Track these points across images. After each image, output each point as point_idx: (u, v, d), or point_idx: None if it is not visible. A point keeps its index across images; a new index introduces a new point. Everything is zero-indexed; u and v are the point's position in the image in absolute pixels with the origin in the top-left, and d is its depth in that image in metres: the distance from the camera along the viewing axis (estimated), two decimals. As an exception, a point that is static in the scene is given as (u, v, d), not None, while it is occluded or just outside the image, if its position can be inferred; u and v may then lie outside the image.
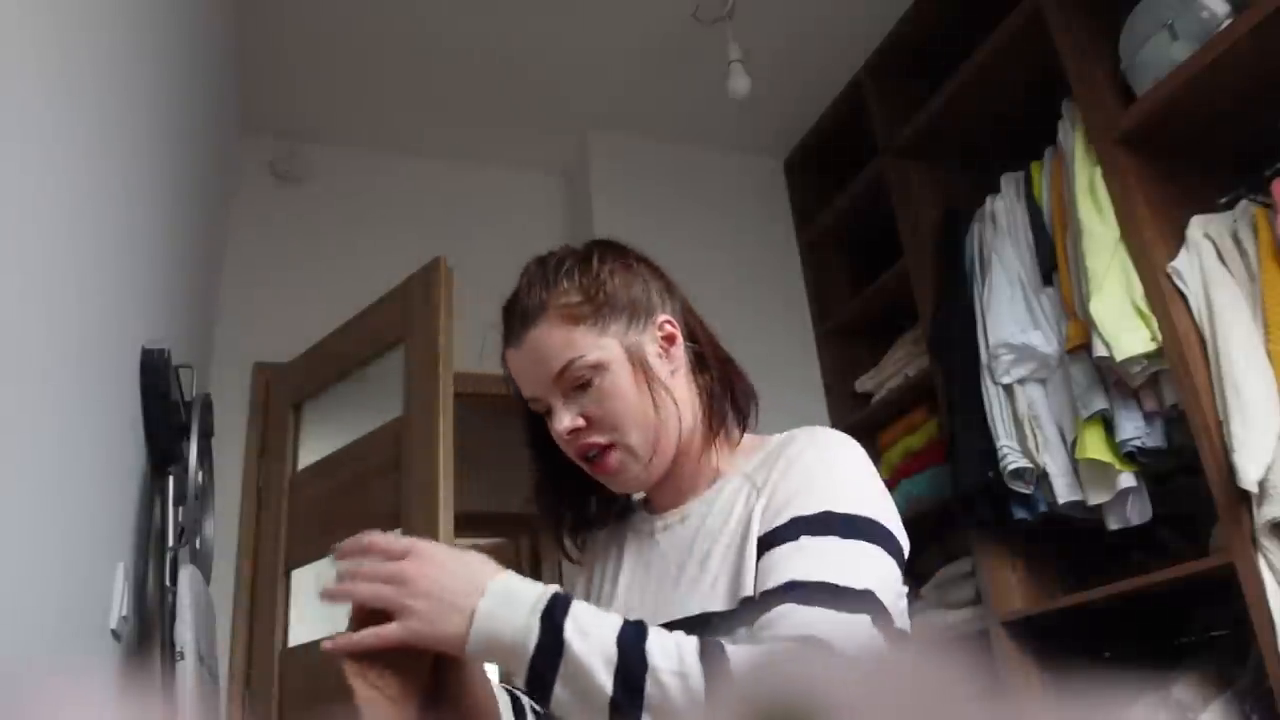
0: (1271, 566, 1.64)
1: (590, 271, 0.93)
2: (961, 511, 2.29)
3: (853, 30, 2.81)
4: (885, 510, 0.83)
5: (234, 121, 2.85)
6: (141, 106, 1.38)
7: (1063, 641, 2.20)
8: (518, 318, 0.92)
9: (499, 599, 0.72)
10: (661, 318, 0.94)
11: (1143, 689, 1.90)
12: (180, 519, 1.50)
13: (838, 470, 0.85)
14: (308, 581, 2.40)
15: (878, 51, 2.87)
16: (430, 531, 1.99)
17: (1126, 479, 1.93)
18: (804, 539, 0.79)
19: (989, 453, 2.18)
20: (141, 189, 1.41)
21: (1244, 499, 1.68)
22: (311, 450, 2.54)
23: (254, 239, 2.87)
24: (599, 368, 0.89)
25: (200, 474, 1.55)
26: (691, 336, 0.97)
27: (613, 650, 0.69)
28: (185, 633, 1.31)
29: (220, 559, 2.18)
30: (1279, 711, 1.64)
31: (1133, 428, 1.91)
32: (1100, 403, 1.96)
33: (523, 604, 0.72)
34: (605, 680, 0.68)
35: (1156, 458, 1.93)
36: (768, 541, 0.81)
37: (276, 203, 2.97)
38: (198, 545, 1.63)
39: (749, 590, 0.81)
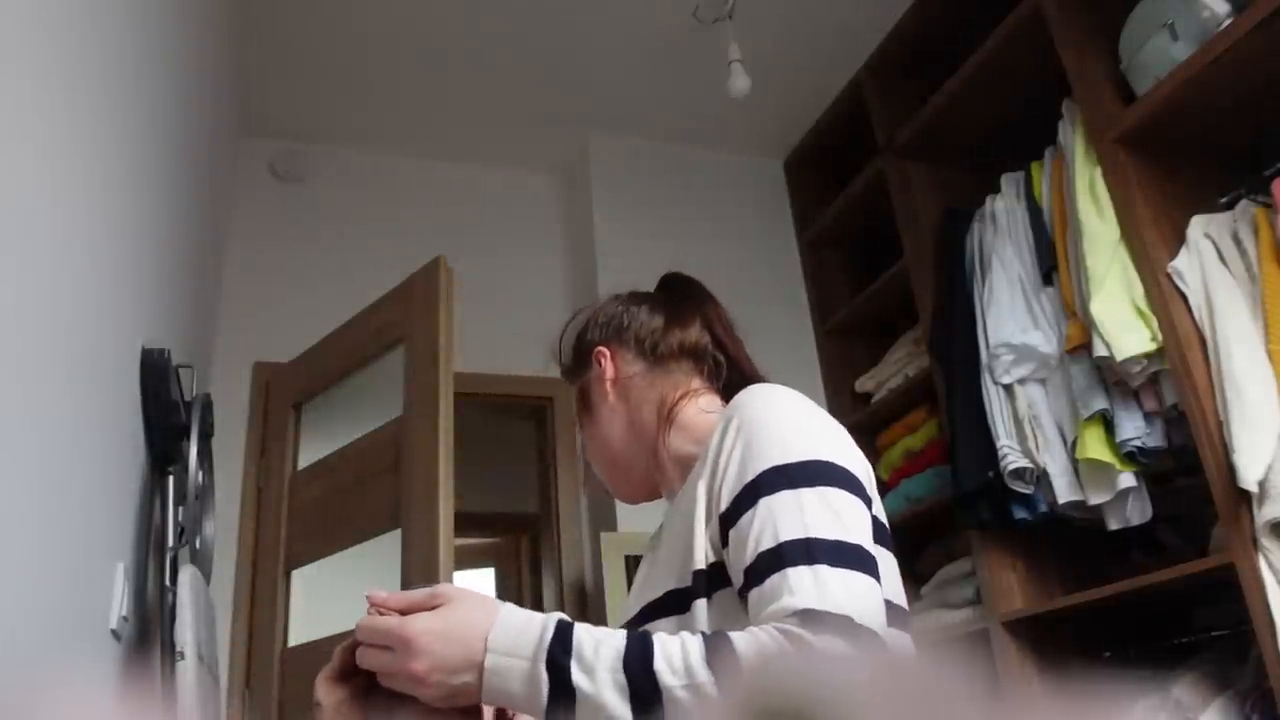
0: (1272, 566, 1.64)
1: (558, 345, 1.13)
2: (961, 511, 2.28)
3: (853, 30, 2.81)
4: (833, 448, 0.83)
5: (234, 122, 2.85)
6: (142, 106, 1.38)
7: (1063, 641, 2.20)
8: None
9: (501, 655, 0.71)
10: (595, 352, 1.06)
11: (1143, 689, 1.90)
12: (180, 519, 1.50)
13: (775, 423, 0.84)
14: (308, 581, 2.40)
15: (878, 51, 2.87)
16: (430, 531, 1.99)
17: (1127, 479, 1.93)
18: (761, 502, 0.78)
19: (989, 453, 2.18)
20: (142, 189, 1.41)
21: (1244, 499, 1.68)
22: (311, 450, 2.54)
23: (254, 239, 2.87)
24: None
25: (200, 474, 1.55)
26: (650, 337, 1.06)
27: (623, 679, 0.69)
28: (185, 633, 1.31)
29: (220, 559, 2.18)
30: (1279, 712, 1.64)
31: (1133, 428, 1.91)
32: (1100, 403, 1.96)
33: (525, 654, 0.71)
34: (625, 713, 0.68)
35: (1156, 458, 1.93)
36: (730, 517, 0.81)
37: (276, 203, 2.97)
38: (198, 545, 1.63)
39: (700, 564, 0.83)
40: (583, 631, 0.72)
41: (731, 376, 1.03)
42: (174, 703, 1.28)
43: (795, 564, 0.73)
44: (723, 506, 0.82)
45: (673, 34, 2.76)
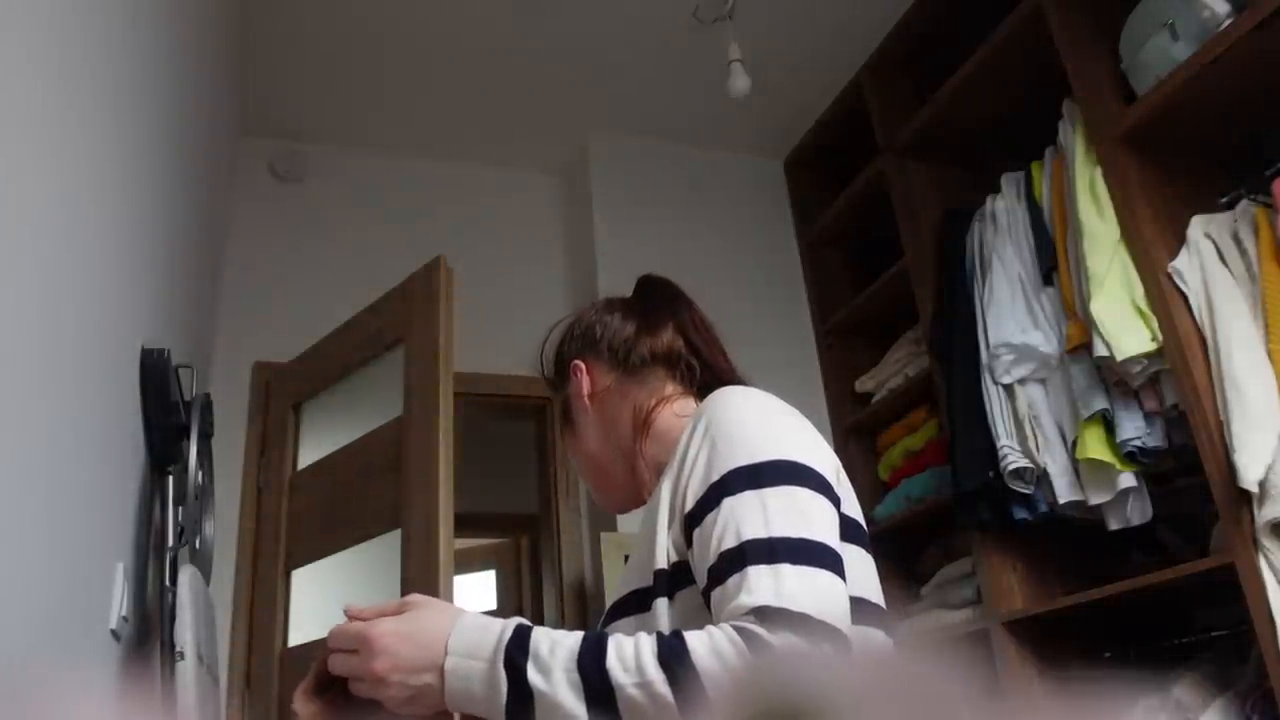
0: (1272, 566, 1.64)
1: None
2: (961, 511, 2.28)
3: (853, 30, 2.81)
4: (800, 447, 0.83)
5: (234, 121, 2.84)
6: (141, 106, 1.38)
7: (1063, 641, 2.20)
8: None
9: (461, 657, 0.73)
10: (573, 365, 1.08)
11: (1143, 689, 1.90)
12: (180, 519, 1.50)
13: (741, 424, 0.85)
14: (308, 581, 2.40)
15: (878, 51, 2.87)
16: (430, 531, 1.99)
17: (1127, 479, 1.93)
18: (725, 502, 0.79)
19: (989, 453, 2.18)
20: (141, 189, 1.41)
21: (1244, 499, 1.68)
22: (311, 450, 2.54)
23: (254, 239, 2.87)
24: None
25: (200, 474, 1.55)
26: (622, 346, 1.06)
27: (577, 678, 0.70)
28: (185, 633, 1.31)
29: (220, 559, 2.18)
30: (1279, 712, 1.64)
31: (1133, 428, 1.91)
32: (1101, 403, 1.96)
33: (483, 655, 0.73)
34: (580, 712, 0.69)
35: (1157, 458, 1.93)
36: (695, 517, 0.81)
37: (276, 203, 2.97)
38: (198, 545, 1.63)
39: (661, 563, 0.84)
40: (540, 633, 0.74)
41: (707, 379, 1.03)
42: (174, 703, 1.28)
43: (756, 563, 0.74)
44: (688, 507, 0.83)
45: (673, 34, 2.76)
